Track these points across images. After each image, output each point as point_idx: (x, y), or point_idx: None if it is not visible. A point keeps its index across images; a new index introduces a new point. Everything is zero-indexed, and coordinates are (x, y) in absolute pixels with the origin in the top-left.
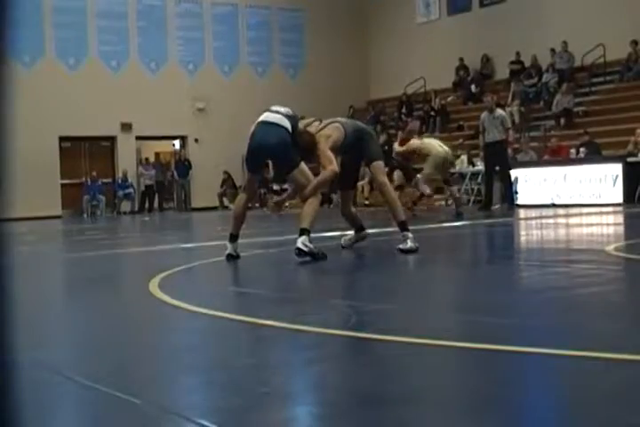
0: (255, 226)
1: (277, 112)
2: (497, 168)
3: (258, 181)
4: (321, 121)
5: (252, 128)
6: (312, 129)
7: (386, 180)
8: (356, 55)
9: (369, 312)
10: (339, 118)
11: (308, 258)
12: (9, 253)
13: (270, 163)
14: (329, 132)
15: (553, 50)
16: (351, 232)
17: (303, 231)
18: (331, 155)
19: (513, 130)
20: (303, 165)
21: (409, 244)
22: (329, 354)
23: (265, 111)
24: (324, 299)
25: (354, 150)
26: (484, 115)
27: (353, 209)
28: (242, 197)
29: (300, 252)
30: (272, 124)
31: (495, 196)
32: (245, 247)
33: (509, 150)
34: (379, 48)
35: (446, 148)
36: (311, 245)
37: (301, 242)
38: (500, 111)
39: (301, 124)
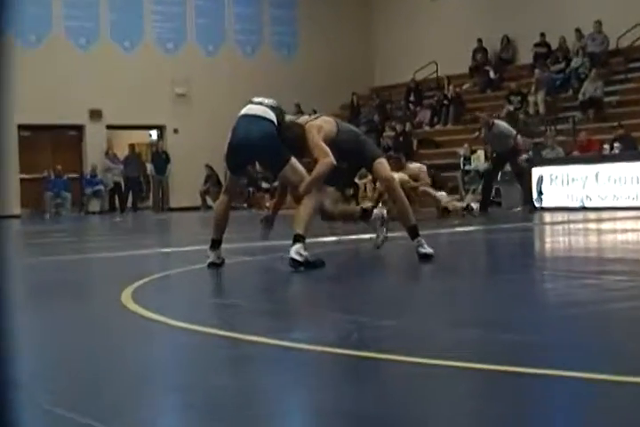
0: (241, 229)
1: (260, 103)
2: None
3: (242, 180)
4: (310, 116)
5: (234, 123)
6: (301, 121)
7: (392, 174)
8: (358, 34)
9: (371, 328)
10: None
11: (302, 269)
12: None
13: (257, 163)
14: (319, 122)
15: (578, 30)
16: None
17: (297, 238)
18: (325, 146)
19: (521, 134)
20: (294, 161)
21: (428, 248)
22: (324, 375)
23: (247, 103)
24: (320, 312)
25: (350, 154)
26: (484, 132)
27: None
28: (223, 198)
29: (293, 262)
30: (255, 117)
31: (515, 197)
32: (230, 253)
33: (523, 156)
34: (384, 27)
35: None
36: (306, 253)
37: (295, 251)
38: (498, 125)
39: (289, 118)
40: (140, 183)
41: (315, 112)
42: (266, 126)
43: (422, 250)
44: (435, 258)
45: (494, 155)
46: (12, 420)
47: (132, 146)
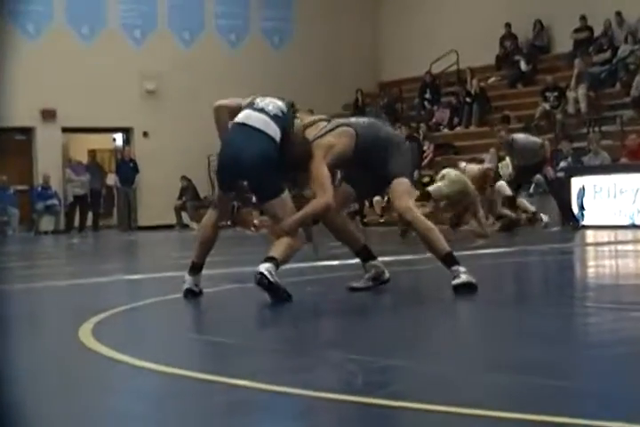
0: (228, 252)
1: (263, 111)
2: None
3: (232, 197)
4: (329, 121)
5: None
6: (312, 132)
7: (410, 204)
8: (363, 19)
9: (380, 369)
10: (354, 119)
11: (271, 290)
12: None
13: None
14: (332, 139)
15: (619, 14)
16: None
17: (270, 259)
18: (326, 179)
19: (548, 140)
20: (286, 195)
21: (463, 277)
22: (325, 425)
23: (247, 106)
24: (319, 351)
25: (375, 165)
26: (504, 150)
27: (344, 216)
28: (211, 214)
29: (262, 278)
30: (253, 131)
31: (552, 213)
32: (214, 280)
33: (550, 171)
34: (394, 10)
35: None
36: (277, 279)
37: (266, 268)
38: (517, 140)
39: (299, 125)
40: (102, 197)
41: (312, 112)
42: (263, 146)
43: (456, 280)
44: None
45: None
46: None
47: (92, 152)
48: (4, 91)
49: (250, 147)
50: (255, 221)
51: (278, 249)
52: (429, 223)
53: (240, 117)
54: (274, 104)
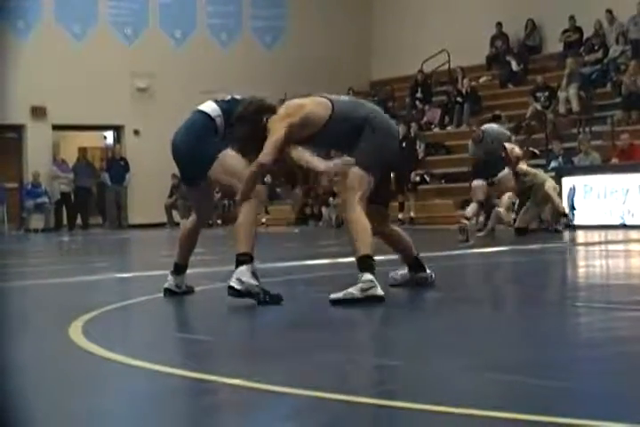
0: (218, 250)
1: (214, 99)
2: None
3: (196, 193)
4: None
5: None
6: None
7: (353, 199)
8: (355, 18)
9: (373, 369)
10: (335, 95)
11: (251, 299)
12: None
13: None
14: (305, 101)
15: (610, 12)
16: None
17: (239, 259)
18: (276, 141)
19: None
20: (225, 154)
21: (352, 291)
22: (317, 425)
23: None
24: (311, 350)
25: (340, 144)
26: (470, 149)
27: (396, 228)
28: (192, 216)
29: (231, 291)
30: (192, 114)
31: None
32: (203, 279)
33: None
34: (385, 8)
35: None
36: (252, 281)
37: (236, 277)
38: (489, 130)
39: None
40: (91, 195)
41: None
42: (188, 122)
43: (350, 289)
44: (446, 288)
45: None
46: None
47: (82, 150)
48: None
49: (182, 127)
50: None
51: (240, 241)
52: (365, 222)
53: None
54: (231, 96)
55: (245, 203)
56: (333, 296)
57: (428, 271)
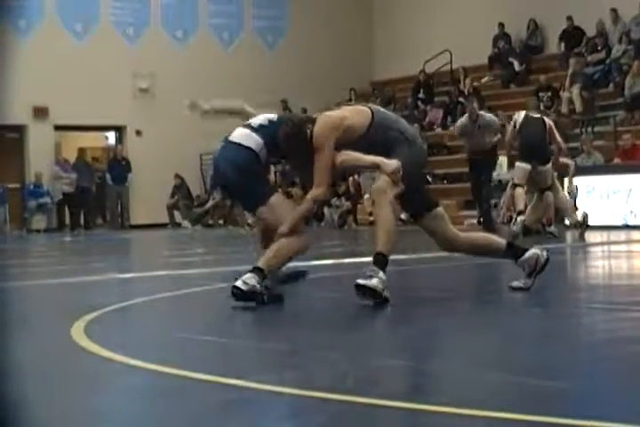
0: (220, 251)
1: (247, 125)
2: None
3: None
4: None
5: None
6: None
7: (386, 196)
8: (356, 17)
9: (372, 369)
10: (374, 105)
11: (252, 301)
12: None
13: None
14: (345, 113)
15: (614, 10)
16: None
17: (255, 271)
18: (326, 169)
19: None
20: (275, 201)
21: (374, 281)
22: (316, 425)
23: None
24: (311, 350)
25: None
26: (464, 124)
27: (462, 235)
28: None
29: (236, 291)
30: (231, 145)
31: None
32: (204, 279)
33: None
34: (387, 8)
35: None
36: (257, 285)
37: (243, 279)
38: (484, 115)
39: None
40: (93, 195)
41: (305, 111)
42: (238, 160)
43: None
44: (448, 288)
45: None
46: None
47: (81, 150)
48: (3, 88)
49: (226, 162)
50: (249, 221)
51: (265, 257)
52: (390, 222)
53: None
54: (263, 117)
55: (294, 239)
56: (361, 282)
57: (532, 251)
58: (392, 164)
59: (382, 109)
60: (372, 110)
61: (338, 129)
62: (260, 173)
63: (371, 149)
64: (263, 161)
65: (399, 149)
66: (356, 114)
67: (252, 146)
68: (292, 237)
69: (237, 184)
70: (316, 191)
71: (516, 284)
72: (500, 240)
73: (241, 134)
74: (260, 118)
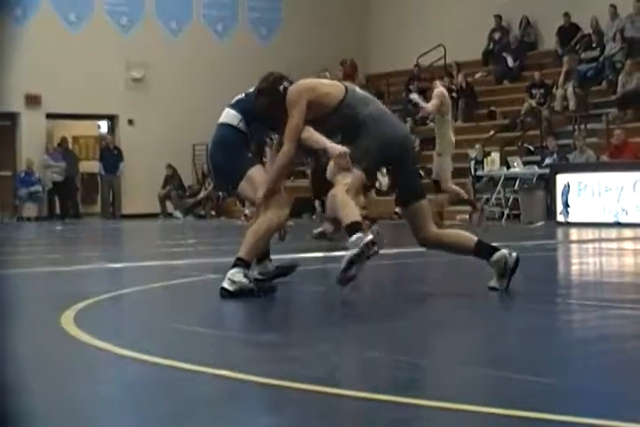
0: (213, 242)
1: (229, 104)
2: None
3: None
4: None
5: None
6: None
7: (340, 188)
8: (351, 11)
9: (363, 362)
10: (352, 85)
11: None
12: None
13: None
14: (319, 82)
15: (614, 6)
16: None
17: (237, 262)
18: (295, 130)
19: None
20: (253, 171)
21: (348, 253)
22: (310, 419)
23: None
24: (305, 343)
25: (340, 137)
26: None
27: (437, 232)
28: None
29: (224, 293)
30: (217, 127)
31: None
32: (196, 270)
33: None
34: (382, 2)
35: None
36: (244, 280)
37: (228, 277)
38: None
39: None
40: (73, 185)
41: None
42: (216, 135)
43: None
44: (437, 284)
45: None
46: None
47: (75, 139)
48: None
49: (210, 143)
50: (246, 211)
51: (244, 246)
52: (348, 200)
53: None
54: (244, 94)
55: (271, 210)
56: (343, 265)
57: (501, 251)
58: (337, 148)
59: (358, 89)
60: (346, 87)
61: (314, 90)
62: (238, 146)
63: (339, 126)
64: (244, 131)
65: (366, 130)
66: (332, 86)
67: (228, 121)
68: (268, 211)
69: (218, 161)
70: (285, 147)
71: (492, 283)
72: (472, 240)
73: (222, 115)
74: (239, 95)
